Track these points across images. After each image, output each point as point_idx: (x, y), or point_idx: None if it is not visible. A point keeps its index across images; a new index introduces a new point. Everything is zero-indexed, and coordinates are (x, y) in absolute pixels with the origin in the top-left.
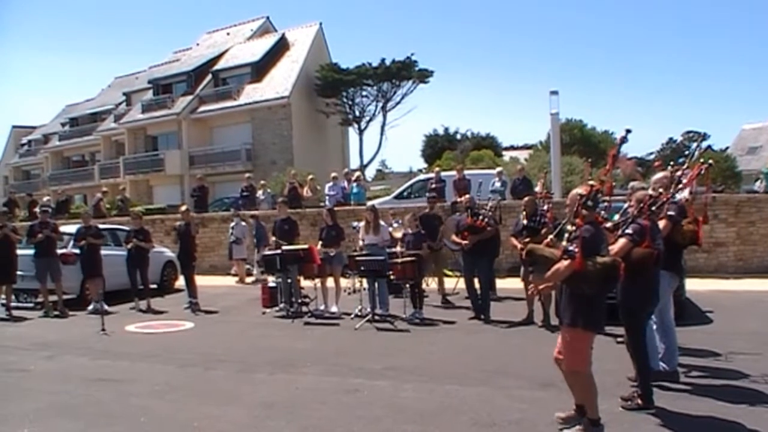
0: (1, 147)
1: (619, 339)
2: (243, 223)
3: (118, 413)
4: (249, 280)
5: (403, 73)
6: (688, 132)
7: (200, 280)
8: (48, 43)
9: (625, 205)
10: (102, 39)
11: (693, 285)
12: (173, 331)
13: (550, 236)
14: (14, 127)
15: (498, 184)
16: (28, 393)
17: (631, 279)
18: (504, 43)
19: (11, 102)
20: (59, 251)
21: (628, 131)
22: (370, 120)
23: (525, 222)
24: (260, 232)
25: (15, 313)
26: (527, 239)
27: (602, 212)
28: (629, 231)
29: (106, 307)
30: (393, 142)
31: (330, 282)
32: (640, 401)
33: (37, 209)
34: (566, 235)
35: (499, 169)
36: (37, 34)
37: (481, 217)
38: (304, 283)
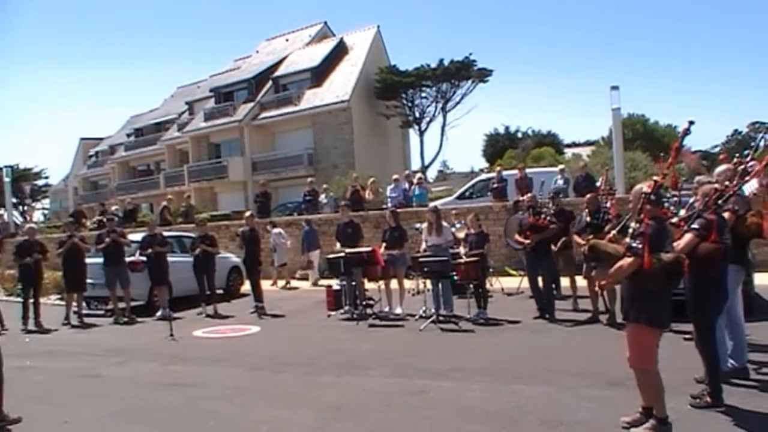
0: (70, 159)
1: (687, 336)
2: (276, 230)
3: (188, 417)
4: (293, 284)
5: (462, 72)
6: (754, 123)
7: (266, 285)
8: (112, 57)
9: (691, 200)
10: (164, 50)
11: (763, 280)
12: (240, 335)
13: (613, 232)
14: (82, 139)
15: (560, 182)
16: (101, 398)
17: (699, 275)
18: (563, 39)
19: (79, 115)
20: (127, 259)
21: (692, 123)
22: (431, 121)
23: (588, 219)
24: (311, 236)
25: (86, 320)
26: (590, 236)
27: (671, 207)
28: (695, 226)
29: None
30: (454, 142)
31: (394, 284)
32: (709, 399)
33: (104, 218)
34: (630, 231)
35: (561, 166)
36: (102, 48)
37: (543, 216)
38: (368, 285)
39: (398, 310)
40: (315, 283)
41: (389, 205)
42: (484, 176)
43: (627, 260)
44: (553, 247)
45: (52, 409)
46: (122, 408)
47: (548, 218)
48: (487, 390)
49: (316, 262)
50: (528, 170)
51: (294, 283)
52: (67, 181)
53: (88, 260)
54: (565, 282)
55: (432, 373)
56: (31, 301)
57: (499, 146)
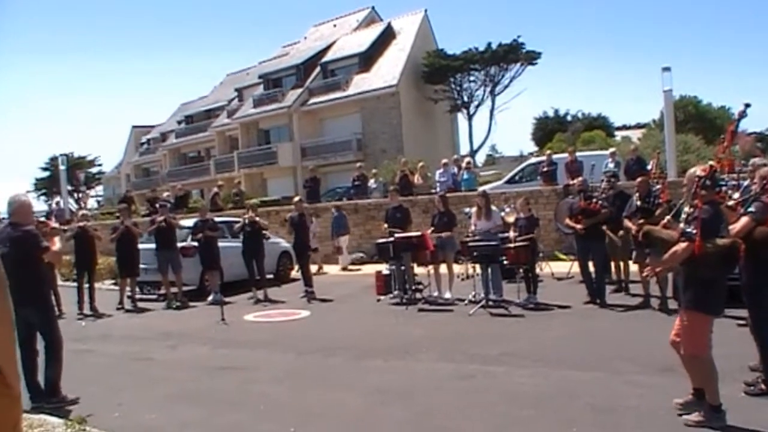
0: (123, 147)
1: (741, 322)
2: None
3: (239, 400)
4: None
5: (511, 55)
6: None
7: (315, 269)
8: (163, 45)
9: (746, 183)
10: (213, 37)
11: None
12: (290, 319)
13: (667, 217)
14: (134, 127)
15: (611, 165)
16: (154, 381)
17: (755, 259)
18: (613, 20)
19: (131, 103)
20: (179, 245)
21: (748, 105)
22: (479, 105)
23: (638, 203)
24: (340, 222)
25: (140, 304)
26: (641, 220)
27: (729, 191)
28: (752, 209)
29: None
30: (503, 126)
31: (443, 268)
32: (764, 386)
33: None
34: (683, 216)
35: (612, 149)
36: (153, 37)
37: (594, 200)
38: (418, 269)
39: (447, 295)
40: (344, 268)
41: (438, 189)
42: (533, 160)
43: (681, 246)
44: (607, 232)
45: (107, 391)
46: (174, 390)
47: (600, 202)
48: (537, 375)
49: (344, 247)
50: (578, 154)
51: (325, 267)
52: (119, 169)
53: (140, 246)
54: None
55: (481, 357)
56: (86, 286)
57: (548, 130)
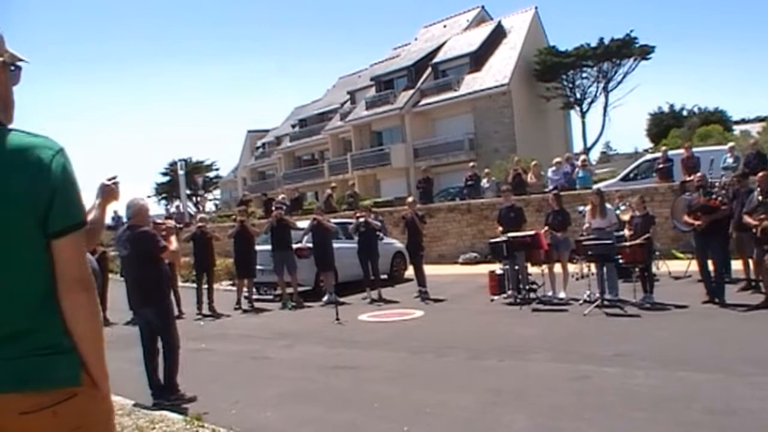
0: (239, 151)
1: None
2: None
3: (353, 399)
4: None
5: (624, 51)
6: None
7: (428, 269)
8: (276, 51)
9: None
10: (325, 42)
11: None
12: (404, 319)
13: None
14: (249, 131)
15: (730, 160)
16: (270, 379)
17: None
18: (729, 9)
19: (246, 108)
20: (294, 246)
21: None
22: (592, 102)
23: (760, 198)
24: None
25: (256, 305)
26: (762, 216)
27: None
28: None
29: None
30: (617, 122)
31: (557, 268)
32: None
33: (272, 206)
34: None
35: (730, 144)
36: (266, 43)
37: (714, 196)
38: (532, 269)
39: (562, 295)
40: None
41: (551, 188)
42: (648, 156)
43: None
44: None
45: (224, 389)
46: (290, 389)
47: (719, 198)
48: (653, 376)
49: None
50: (694, 149)
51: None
52: (236, 173)
53: (257, 247)
54: (737, 265)
55: (596, 358)
56: (205, 287)
57: (663, 125)
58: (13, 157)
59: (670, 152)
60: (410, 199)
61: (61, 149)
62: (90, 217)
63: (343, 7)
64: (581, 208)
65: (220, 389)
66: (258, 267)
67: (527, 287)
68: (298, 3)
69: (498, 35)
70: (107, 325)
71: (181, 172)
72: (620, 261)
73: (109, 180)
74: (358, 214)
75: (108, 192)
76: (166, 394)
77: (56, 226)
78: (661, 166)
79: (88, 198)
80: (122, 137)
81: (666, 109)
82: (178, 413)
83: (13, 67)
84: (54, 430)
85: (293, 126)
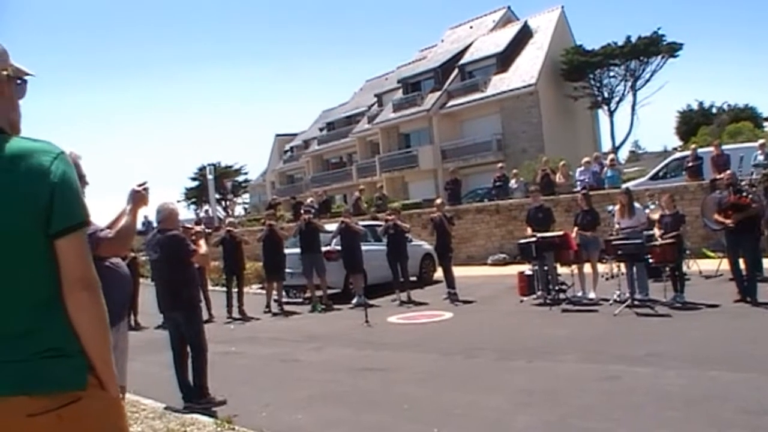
0: (267, 155)
1: None
2: None
3: (382, 400)
4: None
5: (651, 48)
6: None
7: (458, 271)
8: (302, 54)
9: None
10: (351, 45)
11: None
12: (433, 321)
13: None
14: (277, 135)
15: (761, 158)
16: (300, 381)
17: None
18: (758, 6)
19: (273, 112)
20: (323, 248)
21: None
22: (620, 100)
23: None
24: None
25: (286, 308)
26: None
27: None
28: None
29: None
30: (645, 121)
31: (587, 268)
32: None
33: (301, 209)
34: None
35: (761, 141)
36: (293, 46)
37: (744, 194)
38: (561, 269)
39: (592, 295)
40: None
41: (579, 187)
42: (678, 155)
43: None
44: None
45: (254, 392)
46: (319, 391)
47: (750, 196)
48: (685, 376)
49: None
50: (724, 147)
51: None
52: (264, 176)
53: (286, 250)
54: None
55: (627, 358)
56: (235, 290)
57: (692, 123)
58: (15, 161)
59: (700, 150)
60: (438, 201)
61: (61, 153)
62: (122, 222)
63: (368, 10)
64: (610, 207)
65: (250, 392)
66: (287, 270)
67: (557, 288)
68: (324, 7)
69: (524, 35)
70: (138, 329)
71: (209, 177)
72: (650, 260)
73: (139, 186)
74: (386, 217)
75: (138, 198)
76: (196, 397)
77: (57, 226)
78: (690, 164)
79: (120, 203)
80: (153, 142)
81: (695, 106)
82: (209, 416)
83: (19, 81)
84: None
85: (321, 129)
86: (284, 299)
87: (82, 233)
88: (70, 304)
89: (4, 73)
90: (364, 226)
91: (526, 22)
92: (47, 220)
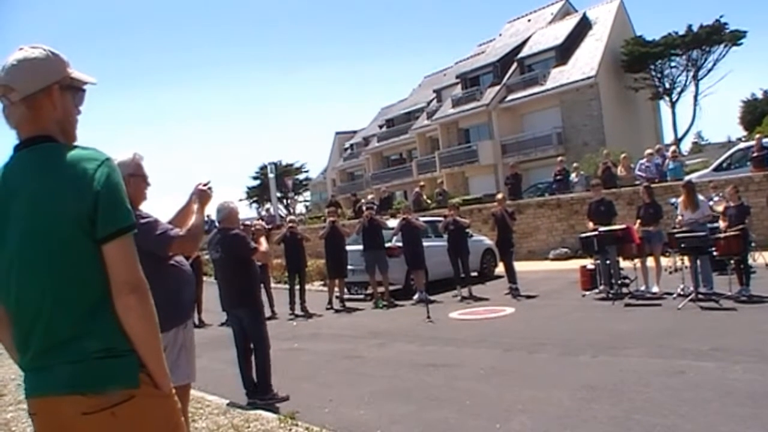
0: (327, 153)
1: None
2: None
3: (445, 396)
4: None
5: (713, 37)
6: None
7: (519, 266)
8: (362, 53)
9: None
10: (409, 41)
11: None
12: (495, 316)
13: None
14: (337, 133)
15: None
16: (363, 377)
17: None
18: None
19: (334, 110)
20: (385, 245)
21: None
22: (682, 91)
23: None
24: None
25: (348, 304)
26: None
27: None
28: None
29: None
30: (708, 111)
31: (650, 261)
32: None
33: (362, 206)
34: None
35: None
36: (352, 45)
37: None
38: (624, 263)
39: (655, 289)
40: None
41: (640, 180)
42: (742, 145)
43: None
44: None
45: (317, 388)
46: (383, 387)
47: None
48: (752, 371)
49: None
50: None
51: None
52: (325, 174)
53: (348, 247)
54: None
55: (692, 353)
56: (297, 287)
57: (757, 112)
58: (63, 170)
59: (765, 140)
60: (500, 196)
61: (106, 159)
62: (191, 221)
63: (426, 6)
64: (673, 200)
65: (313, 388)
66: (349, 267)
67: (619, 282)
68: (382, 4)
69: (583, 27)
70: (202, 326)
71: (271, 176)
72: (715, 253)
73: (204, 185)
74: (446, 213)
75: (204, 197)
76: (260, 393)
77: (103, 231)
78: (755, 154)
79: (180, 201)
80: (215, 142)
81: (760, 95)
82: (272, 412)
83: (77, 88)
84: (114, 430)
85: (380, 126)
86: (346, 296)
87: (127, 237)
88: (119, 307)
89: (56, 84)
90: (425, 221)
91: (584, 14)
92: (93, 225)
